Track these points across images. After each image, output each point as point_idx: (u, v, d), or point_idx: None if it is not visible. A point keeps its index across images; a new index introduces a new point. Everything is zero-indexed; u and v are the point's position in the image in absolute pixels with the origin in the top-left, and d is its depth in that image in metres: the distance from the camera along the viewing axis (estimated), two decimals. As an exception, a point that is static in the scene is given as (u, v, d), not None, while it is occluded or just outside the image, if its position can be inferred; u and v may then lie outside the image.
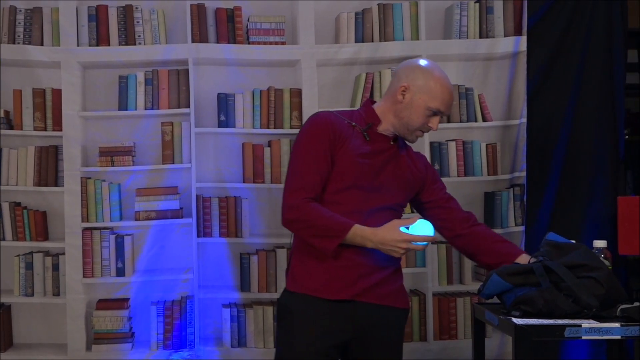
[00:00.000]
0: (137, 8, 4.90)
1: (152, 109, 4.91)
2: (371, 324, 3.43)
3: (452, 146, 5.08)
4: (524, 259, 3.50)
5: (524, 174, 5.08)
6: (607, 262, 3.60)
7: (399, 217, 3.51)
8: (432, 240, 3.30)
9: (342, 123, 3.44)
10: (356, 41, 5.03)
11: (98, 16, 4.87)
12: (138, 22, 4.89)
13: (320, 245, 3.32)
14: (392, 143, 3.49)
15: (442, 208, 3.64)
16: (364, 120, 3.49)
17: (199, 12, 4.90)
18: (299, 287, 3.44)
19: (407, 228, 3.23)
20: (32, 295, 4.85)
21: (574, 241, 3.65)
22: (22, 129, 4.86)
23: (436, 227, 3.44)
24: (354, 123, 3.45)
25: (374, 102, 3.58)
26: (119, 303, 4.87)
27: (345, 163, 3.38)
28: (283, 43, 4.98)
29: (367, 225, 3.31)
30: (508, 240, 3.68)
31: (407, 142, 3.56)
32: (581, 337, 3.30)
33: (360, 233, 3.27)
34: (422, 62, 3.50)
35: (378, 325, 3.45)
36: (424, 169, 3.63)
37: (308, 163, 3.41)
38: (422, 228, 3.23)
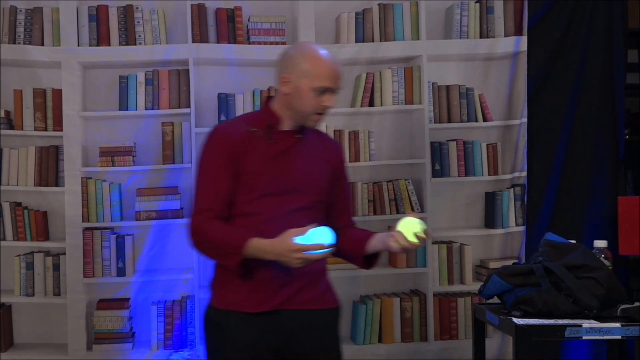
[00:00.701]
0: (137, 8, 4.89)
1: (152, 109, 4.90)
2: (301, 330, 3.36)
3: (452, 146, 5.07)
4: (376, 239, 3.38)
5: (524, 174, 5.08)
6: (607, 262, 3.60)
7: (321, 214, 3.43)
8: (329, 248, 3.15)
9: (241, 132, 3.35)
10: (356, 41, 5.02)
11: (98, 16, 4.86)
12: (138, 22, 4.88)
13: (226, 264, 3.27)
14: (297, 136, 3.40)
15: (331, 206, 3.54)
16: (264, 122, 3.39)
17: (199, 12, 4.89)
18: (221, 302, 3.37)
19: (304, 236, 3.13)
20: (33, 295, 4.84)
21: (573, 241, 3.65)
22: (22, 129, 4.86)
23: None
24: (254, 129, 3.35)
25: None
26: (120, 303, 4.87)
27: (251, 172, 3.31)
28: (283, 43, 4.96)
29: (290, 227, 3.20)
30: (368, 231, 3.51)
31: (322, 131, 3.57)
32: (582, 337, 3.30)
33: (257, 246, 3.17)
34: (293, 47, 3.45)
35: (309, 330, 3.37)
36: (336, 160, 3.54)
37: (207, 183, 3.36)
38: (319, 235, 3.11)
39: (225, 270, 3.34)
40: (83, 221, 4.83)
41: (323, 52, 3.39)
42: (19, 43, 4.83)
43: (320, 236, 3.11)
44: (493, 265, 4.93)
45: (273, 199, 3.31)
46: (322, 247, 3.12)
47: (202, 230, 3.30)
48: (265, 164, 3.32)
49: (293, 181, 3.34)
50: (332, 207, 3.50)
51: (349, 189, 3.69)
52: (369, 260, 3.47)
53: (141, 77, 4.90)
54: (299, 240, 3.09)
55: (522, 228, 5.09)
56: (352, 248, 3.48)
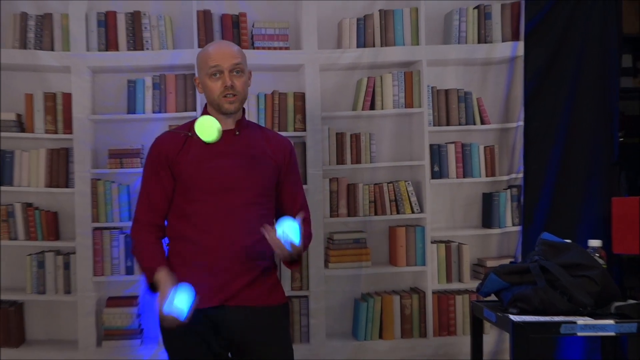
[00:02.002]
0: (144, 14, 4.92)
1: (159, 112, 4.93)
2: (247, 326, 3.42)
3: (451, 148, 5.11)
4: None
5: (521, 175, 5.11)
6: (601, 261, 3.63)
7: (268, 211, 3.51)
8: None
9: (176, 140, 3.48)
10: (358, 46, 5.05)
11: (107, 22, 4.90)
12: (146, 27, 4.92)
13: (144, 276, 3.47)
14: (237, 134, 3.49)
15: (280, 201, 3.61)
16: None
17: (205, 18, 4.93)
18: None
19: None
20: (44, 293, 4.88)
21: (569, 241, 3.68)
22: (33, 132, 4.89)
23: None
24: (189, 133, 3.46)
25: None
26: (129, 300, 4.91)
27: (187, 174, 3.41)
28: (287, 48, 5.01)
29: (235, 224, 3.37)
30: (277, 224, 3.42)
31: (272, 130, 3.73)
32: (576, 333, 3.34)
33: (157, 278, 3.35)
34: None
35: (256, 327, 3.43)
36: (282, 156, 3.58)
37: (142, 194, 3.54)
38: (180, 297, 3.21)
39: (174, 268, 3.43)
40: (92, 221, 4.86)
41: (213, 43, 3.60)
42: (30, 48, 4.86)
43: (180, 298, 3.19)
44: (490, 264, 4.97)
45: (212, 198, 3.40)
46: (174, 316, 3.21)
47: (133, 240, 3.52)
48: (201, 165, 3.41)
49: (230, 179, 3.41)
50: (281, 202, 3.57)
51: (298, 185, 3.71)
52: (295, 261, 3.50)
53: (149, 82, 4.93)
54: (166, 304, 3.20)
55: (518, 228, 5.12)
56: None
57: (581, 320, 3.35)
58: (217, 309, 3.38)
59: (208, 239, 3.35)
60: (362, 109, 5.07)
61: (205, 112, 3.51)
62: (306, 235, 3.46)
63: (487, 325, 4.66)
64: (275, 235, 3.21)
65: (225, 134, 3.39)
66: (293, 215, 3.39)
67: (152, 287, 3.44)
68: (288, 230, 3.21)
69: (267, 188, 3.49)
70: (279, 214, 3.54)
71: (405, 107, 5.09)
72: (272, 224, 3.40)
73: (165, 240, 3.54)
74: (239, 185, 3.39)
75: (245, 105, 4.80)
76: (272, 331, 3.48)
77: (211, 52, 3.45)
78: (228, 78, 3.41)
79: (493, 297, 3.72)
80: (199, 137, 3.33)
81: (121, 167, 4.89)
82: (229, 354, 3.50)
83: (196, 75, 3.56)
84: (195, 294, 3.26)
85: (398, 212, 5.07)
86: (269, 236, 3.23)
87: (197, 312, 3.29)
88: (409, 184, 5.08)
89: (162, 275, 3.32)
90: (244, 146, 3.48)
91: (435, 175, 5.09)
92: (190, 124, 3.53)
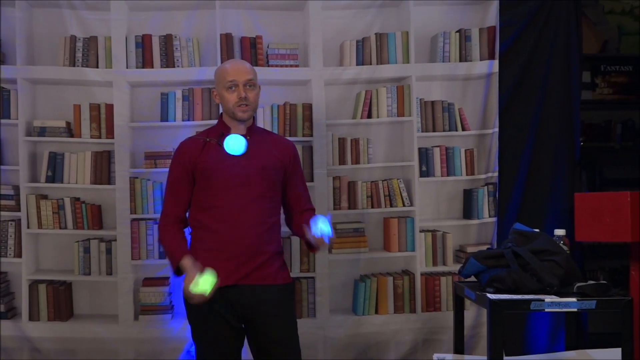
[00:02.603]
0: (175, 37, 4.91)
1: (188, 120, 4.91)
2: (257, 301, 3.44)
3: (436, 151, 5.08)
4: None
5: (496, 174, 5.09)
6: (565, 248, 3.63)
7: (276, 204, 3.56)
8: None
9: (197, 144, 3.54)
10: (357, 64, 5.03)
11: (143, 43, 4.89)
12: (177, 48, 4.90)
13: (170, 262, 3.53)
14: (248, 138, 3.51)
15: (287, 194, 3.66)
16: (218, 131, 3.58)
17: (227, 40, 4.91)
18: None
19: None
20: (89, 274, 4.87)
21: (537, 230, 3.66)
22: (80, 137, 4.88)
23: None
24: (208, 138, 3.53)
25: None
26: (161, 281, 4.90)
27: (206, 173, 3.46)
28: (297, 66, 4.98)
29: (247, 215, 3.43)
30: (312, 222, 3.47)
31: (277, 134, 3.82)
32: (544, 309, 3.33)
33: (183, 264, 3.40)
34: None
35: (265, 302, 3.46)
36: (287, 157, 3.62)
37: (167, 191, 3.58)
38: (203, 281, 3.26)
39: (197, 252, 3.49)
40: (131, 213, 4.85)
41: (230, 61, 3.69)
42: (78, 66, 4.85)
43: (204, 280, 3.25)
44: (470, 249, 4.94)
45: (227, 193, 3.43)
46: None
47: (160, 233, 3.57)
48: (218, 165, 3.46)
49: (243, 177, 3.45)
50: (288, 196, 3.62)
51: (302, 179, 3.77)
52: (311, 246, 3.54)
53: (179, 94, 4.91)
54: (192, 285, 3.27)
55: (494, 219, 5.10)
56: (297, 232, 3.61)
57: (548, 298, 3.33)
58: (232, 287, 3.40)
59: (225, 227, 3.39)
60: (361, 118, 5.04)
61: (220, 120, 3.56)
62: None
63: (467, 302, 4.63)
64: (315, 234, 3.33)
65: None
66: (300, 207, 3.44)
67: (177, 272, 3.46)
68: (323, 226, 3.32)
69: (274, 182, 3.54)
70: (286, 206, 3.58)
71: (397, 116, 5.06)
72: (279, 215, 3.55)
73: (188, 230, 3.56)
74: (251, 181, 3.44)
75: (260, 115, 4.88)
76: (278, 306, 3.51)
77: (228, 68, 3.52)
78: (242, 91, 3.48)
79: (473, 279, 3.71)
80: (215, 142, 3.38)
81: (155, 167, 4.86)
82: (243, 326, 3.50)
83: (214, 90, 3.60)
84: (215, 269, 3.32)
85: (391, 206, 5.04)
86: (309, 235, 3.35)
87: (217, 289, 3.34)
88: (400, 181, 5.06)
89: (187, 262, 3.36)
90: (254, 148, 3.52)
91: (423, 174, 5.07)
92: (209, 131, 3.65)
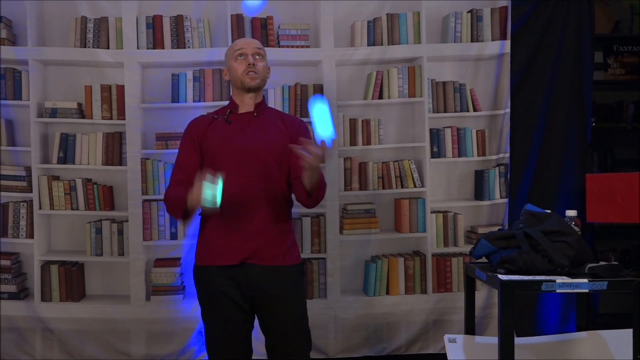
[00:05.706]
0: (186, 17, 4.91)
1: (199, 101, 4.92)
2: (266, 282, 3.42)
3: (448, 132, 5.08)
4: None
5: (507, 155, 5.08)
6: (577, 229, 3.61)
7: (284, 174, 3.50)
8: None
9: (206, 121, 3.57)
10: (368, 44, 5.03)
11: (154, 24, 4.90)
12: (187, 29, 4.90)
13: (177, 217, 3.47)
14: (255, 115, 3.53)
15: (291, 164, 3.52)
16: (226, 110, 3.59)
17: (238, 21, 4.91)
18: (202, 260, 3.52)
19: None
20: (101, 255, 4.91)
21: (549, 211, 3.65)
22: (92, 118, 4.90)
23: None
24: (216, 116, 3.56)
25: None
26: (173, 262, 4.93)
27: (213, 149, 3.46)
28: (307, 46, 4.98)
29: (252, 190, 3.39)
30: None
31: (286, 113, 3.86)
32: (555, 290, 3.32)
33: (189, 197, 3.25)
34: None
35: (273, 284, 3.43)
36: (294, 130, 3.56)
37: (175, 165, 3.57)
38: (210, 187, 3.14)
39: (203, 232, 3.52)
40: (142, 194, 4.88)
41: (243, 39, 3.75)
42: (89, 47, 4.87)
43: (210, 190, 3.12)
44: (481, 230, 4.95)
45: (234, 170, 3.41)
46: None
47: (166, 195, 3.50)
48: (225, 140, 3.46)
49: (248, 152, 3.43)
50: (292, 165, 3.50)
51: None
52: (310, 194, 3.41)
53: (190, 75, 4.92)
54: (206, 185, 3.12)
55: (505, 200, 5.10)
56: (297, 186, 3.46)
57: (559, 279, 3.32)
58: (238, 267, 3.39)
59: (232, 204, 3.34)
60: (372, 99, 5.04)
61: (230, 99, 3.58)
62: (322, 182, 3.42)
63: (478, 283, 4.64)
64: (304, 149, 3.08)
65: (244, 115, 3.53)
66: (298, 173, 3.42)
67: (187, 213, 3.38)
68: (318, 117, 3.06)
69: (279, 154, 3.48)
70: (289, 176, 3.52)
71: (408, 97, 5.06)
72: (288, 192, 3.50)
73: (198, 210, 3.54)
74: (255, 158, 3.42)
75: (271, 96, 4.87)
76: (286, 288, 3.49)
77: (237, 42, 3.65)
78: (251, 57, 3.50)
79: (484, 259, 3.70)
80: (222, 120, 3.51)
81: (166, 148, 4.89)
82: (252, 308, 3.51)
83: (224, 68, 3.64)
84: (222, 253, 3.39)
85: (402, 187, 5.05)
86: (298, 152, 3.10)
87: (222, 269, 3.39)
88: (411, 162, 5.05)
89: (192, 191, 3.24)
90: (262, 124, 3.53)
91: (434, 155, 5.07)
92: (217, 111, 3.65)
